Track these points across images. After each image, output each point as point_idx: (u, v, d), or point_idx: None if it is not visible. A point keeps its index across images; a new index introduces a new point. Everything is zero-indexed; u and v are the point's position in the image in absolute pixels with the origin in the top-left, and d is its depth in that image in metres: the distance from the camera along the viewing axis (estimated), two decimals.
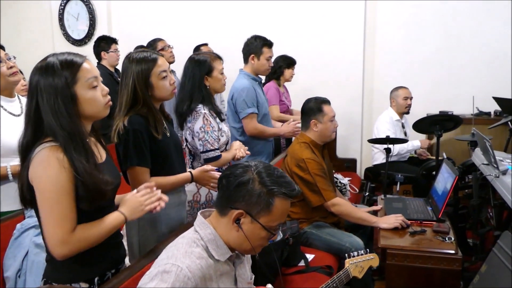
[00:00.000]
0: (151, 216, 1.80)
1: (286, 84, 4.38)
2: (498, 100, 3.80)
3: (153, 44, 4.18)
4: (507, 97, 3.97)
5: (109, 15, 5.74)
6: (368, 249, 1.88)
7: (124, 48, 3.67)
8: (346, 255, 1.84)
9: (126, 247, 1.71)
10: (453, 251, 2.24)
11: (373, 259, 1.84)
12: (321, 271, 2.36)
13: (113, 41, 4.30)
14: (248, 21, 5.02)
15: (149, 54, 1.91)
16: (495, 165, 2.54)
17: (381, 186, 4.10)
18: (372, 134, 4.31)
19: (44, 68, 1.37)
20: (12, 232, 1.97)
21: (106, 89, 1.46)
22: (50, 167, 1.32)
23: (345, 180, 3.56)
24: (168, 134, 1.98)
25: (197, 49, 4.45)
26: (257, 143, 3.18)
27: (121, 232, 1.62)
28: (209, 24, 5.20)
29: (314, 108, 2.75)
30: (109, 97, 1.47)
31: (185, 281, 1.19)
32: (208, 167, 1.97)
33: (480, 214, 3.03)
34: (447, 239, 2.35)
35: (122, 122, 1.83)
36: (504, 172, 2.51)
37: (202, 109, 2.39)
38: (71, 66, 1.38)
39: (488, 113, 4.60)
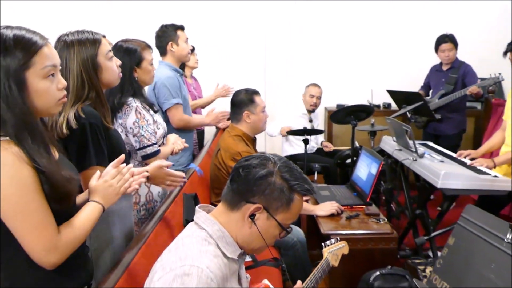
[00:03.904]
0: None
1: (196, 75, 4.29)
2: (391, 92, 4.17)
3: None
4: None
5: None
6: (338, 238, 1.89)
7: None
8: (323, 244, 1.83)
9: None
10: (389, 231, 2.40)
11: (344, 247, 1.87)
12: (269, 264, 2.32)
13: None
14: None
15: (90, 33, 1.67)
16: (414, 150, 2.77)
17: None
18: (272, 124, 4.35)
19: None
20: None
21: (64, 82, 1.22)
22: (6, 166, 1.06)
23: None
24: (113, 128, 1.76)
25: None
26: (182, 136, 3.02)
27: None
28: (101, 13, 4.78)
29: (245, 99, 2.70)
30: (64, 92, 1.23)
31: (209, 283, 1.05)
32: (164, 162, 1.79)
33: (393, 197, 3.31)
34: (381, 220, 2.51)
35: (73, 113, 1.57)
36: (421, 156, 2.76)
37: (133, 102, 2.19)
38: (27, 47, 1.12)
39: (378, 106, 5.05)
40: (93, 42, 1.65)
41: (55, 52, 1.21)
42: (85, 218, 1.27)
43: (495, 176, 2.52)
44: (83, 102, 1.61)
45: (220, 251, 1.18)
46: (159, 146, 2.25)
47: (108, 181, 1.36)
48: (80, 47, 1.61)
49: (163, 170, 1.77)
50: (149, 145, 2.17)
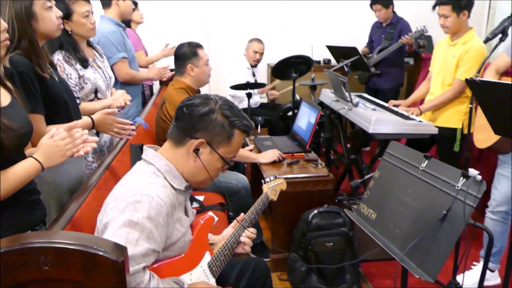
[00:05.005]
0: (50, 174, 1.60)
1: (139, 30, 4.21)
2: (330, 48, 4.33)
3: None
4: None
5: None
6: (277, 176, 2.04)
7: None
8: (262, 180, 1.97)
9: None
10: (326, 174, 2.60)
11: (282, 183, 2.01)
12: (216, 208, 2.46)
13: None
14: None
15: None
16: (349, 100, 2.96)
17: None
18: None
19: None
20: None
21: (4, 24, 1.27)
22: None
23: None
24: (56, 78, 1.76)
25: None
26: (129, 90, 3.02)
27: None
28: None
29: (188, 52, 2.73)
30: (6, 35, 1.26)
31: (159, 208, 1.15)
32: (109, 110, 1.82)
33: (331, 145, 3.52)
34: (319, 165, 2.70)
35: (2, 63, 1.55)
36: (356, 105, 2.96)
37: (56, 55, 2.18)
38: None
39: (319, 61, 5.23)
40: None
41: None
42: (13, 172, 1.24)
43: (420, 121, 2.77)
44: (14, 51, 1.59)
45: (168, 183, 1.28)
46: (90, 100, 2.26)
47: (57, 141, 1.32)
48: None
49: (110, 116, 1.81)
50: None
